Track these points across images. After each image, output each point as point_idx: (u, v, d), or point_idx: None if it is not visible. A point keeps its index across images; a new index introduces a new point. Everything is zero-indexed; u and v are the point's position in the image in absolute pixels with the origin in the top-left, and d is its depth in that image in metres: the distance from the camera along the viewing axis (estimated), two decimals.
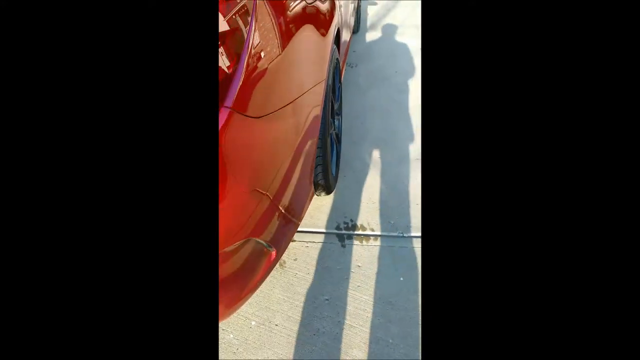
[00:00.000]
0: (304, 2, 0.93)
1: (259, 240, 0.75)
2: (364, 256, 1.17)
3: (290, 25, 0.82)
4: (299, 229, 1.26)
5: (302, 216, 1.04)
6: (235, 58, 0.60)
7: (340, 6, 1.43)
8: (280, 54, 0.74)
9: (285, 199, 0.86)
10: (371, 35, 2.87)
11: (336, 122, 1.45)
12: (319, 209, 1.34)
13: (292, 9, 0.84)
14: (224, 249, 0.63)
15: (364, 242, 1.22)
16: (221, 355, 0.94)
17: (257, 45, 0.65)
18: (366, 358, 0.92)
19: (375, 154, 1.63)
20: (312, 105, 0.96)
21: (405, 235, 1.24)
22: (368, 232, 1.25)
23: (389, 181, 1.47)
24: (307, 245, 1.21)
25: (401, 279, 1.10)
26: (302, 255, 1.18)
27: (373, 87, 2.17)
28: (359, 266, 1.14)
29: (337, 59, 1.39)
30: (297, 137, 0.87)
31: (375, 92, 2.12)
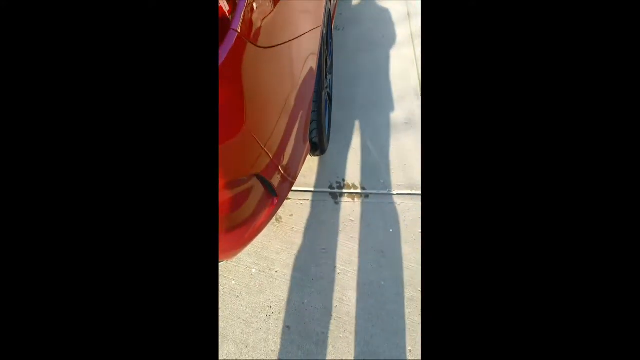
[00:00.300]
0: None
1: (265, 179, 0.80)
2: (356, 211, 1.25)
3: None
4: (293, 188, 1.31)
5: (299, 170, 1.09)
6: None
7: None
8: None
9: (285, 151, 0.90)
10: None
11: (328, 80, 1.48)
12: (311, 170, 1.40)
13: None
14: (227, 181, 0.68)
15: (356, 199, 1.29)
16: (225, 299, 1.01)
17: None
18: (360, 297, 1.02)
19: (365, 117, 1.67)
20: (310, 51, 0.98)
21: (394, 192, 1.32)
22: (359, 190, 1.33)
23: (378, 143, 1.54)
24: (302, 202, 1.27)
25: (390, 230, 1.19)
26: (297, 211, 1.24)
27: (360, 51, 2.18)
28: (351, 220, 1.22)
29: (330, 10, 1.40)
30: (297, 82, 0.90)
31: (363, 56, 2.13)
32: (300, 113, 0.97)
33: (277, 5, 0.74)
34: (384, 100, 1.77)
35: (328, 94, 1.46)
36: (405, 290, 1.03)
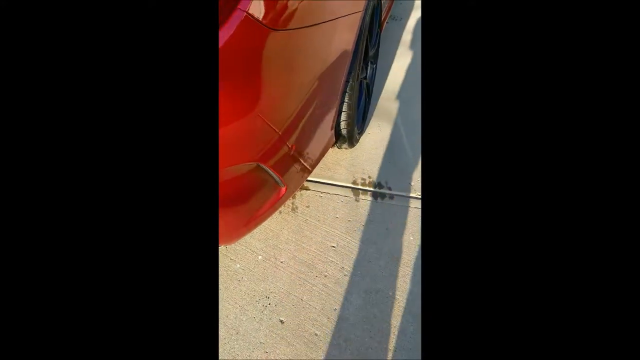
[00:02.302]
0: None
1: (268, 170, 0.75)
2: (377, 212, 1.16)
3: None
4: (315, 179, 1.26)
5: (317, 160, 1.03)
6: None
7: None
8: None
9: (300, 138, 0.84)
10: None
11: (369, 71, 1.39)
12: (338, 163, 1.33)
13: None
14: (226, 167, 0.64)
15: (379, 200, 1.20)
16: (227, 282, 1.00)
17: None
18: (363, 304, 0.94)
19: (406, 113, 1.56)
20: (343, 38, 0.90)
21: (421, 197, 1.21)
22: (385, 190, 1.23)
23: (415, 142, 1.42)
24: (322, 195, 1.22)
25: (411, 238, 1.09)
26: (315, 203, 1.19)
27: (416, 44, 2.03)
28: (370, 221, 1.14)
29: None
30: (321, 68, 0.83)
31: (418, 49, 1.99)
32: (324, 101, 0.91)
33: None
34: None
35: (367, 84, 1.38)
36: (414, 305, 0.94)
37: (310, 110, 0.85)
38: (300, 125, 0.83)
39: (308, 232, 1.11)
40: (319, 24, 0.75)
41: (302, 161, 0.90)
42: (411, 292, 0.96)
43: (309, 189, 1.23)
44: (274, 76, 0.66)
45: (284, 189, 0.83)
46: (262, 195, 0.78)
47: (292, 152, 0.83)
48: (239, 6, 0.55)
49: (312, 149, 0.96)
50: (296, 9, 0.66)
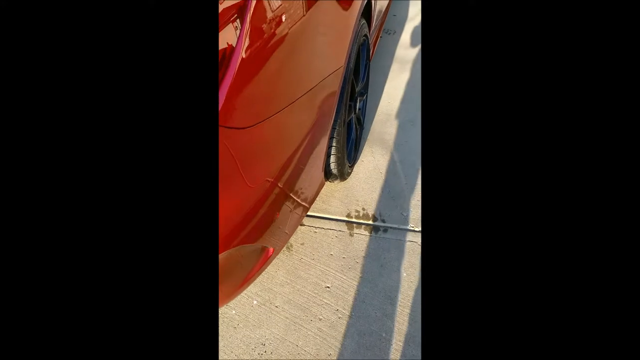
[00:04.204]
0: None
1: (255, 245, 0.77)
2: (371, 247, 1.17)
3: (297, 7, 0.73)
4: (309, 214, 1.27)
5: (310, 205, 1.04)
6: (223, 63, 0.57)
7: None
8: (279, 47, 0.69)
9: (290, 192, 0.85)
10: None
11: (359, 104, 1.39)
12: (332, 194, 1.34)
13: None
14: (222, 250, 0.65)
15: (373, 233, 1.21)
16: (223, 329, 1.02)
17: (249, 45, 0.61)
18: (357, 348, 0.95)
19: (400, 138, 1.55)
20: (322, 98, 0.91)
21: (416, 229, 1.20)
22: (378, 223, 1.23)
23: (410, 170, 1.41)
24: (316, 230, 1.23)
25: (404, 274, 1.09)
26: (309, 240, 1.20)
27: (411, 60, 2.02)
28: (364, 257, 1.14)
29: (366, 35, 1.28)
30: (301, 134, 0.84)
31: (413, 66, 1.97)
32: (311, 150, 0.92)
33: (273, 70, 0.67)
34: None
35: (357, 117, 1.38)
36: (407, 347, 0.94)
37: (299, 166, 0.86)
38: (292, 181, 0.84)
39: (303, 273, 1.12)
40: (294, 102, 0.76)
41: (295, 206, 0.91)
42: (404, 333, 0.96)
43: (304, 224, 1.24)
44: (256, 158, 0.67)
45: (271, 249, 0.85)
46: (251, 261, 0.80)
47: (279, 216, 0.83)
48: None
49: (304, 194, 0.97)
50: (264, 102, 0.67)
